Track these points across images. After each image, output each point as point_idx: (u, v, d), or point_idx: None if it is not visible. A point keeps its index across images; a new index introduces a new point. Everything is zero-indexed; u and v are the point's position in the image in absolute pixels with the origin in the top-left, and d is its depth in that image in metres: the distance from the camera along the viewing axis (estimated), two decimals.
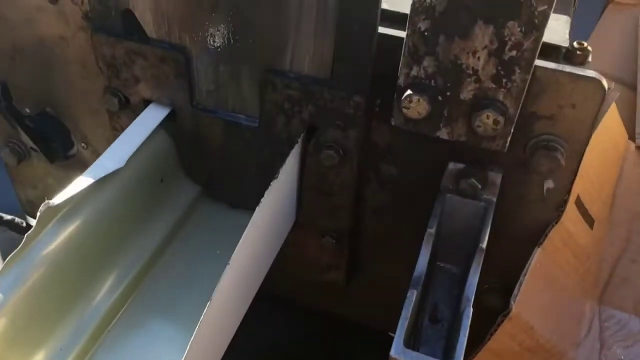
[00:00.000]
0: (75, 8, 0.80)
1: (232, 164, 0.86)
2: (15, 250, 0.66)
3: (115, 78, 0.81)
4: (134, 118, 0.84)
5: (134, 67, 0.79)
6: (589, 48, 0.70)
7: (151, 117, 0.81)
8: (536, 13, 0.59)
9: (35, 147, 0.95)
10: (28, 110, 0.96)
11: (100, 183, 0.72)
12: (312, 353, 1.09)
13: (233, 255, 0.65)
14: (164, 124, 0.83)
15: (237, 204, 0.91)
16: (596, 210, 0.89)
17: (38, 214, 0.68)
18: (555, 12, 0.67)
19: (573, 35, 1.05)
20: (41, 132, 0.95)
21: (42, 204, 0.67)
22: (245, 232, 0.68)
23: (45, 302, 0.69)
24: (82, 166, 1.02)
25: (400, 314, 0.83)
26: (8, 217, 1.12)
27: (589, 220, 0.87)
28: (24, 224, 1.13)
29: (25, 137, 0.95)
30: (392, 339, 0.87)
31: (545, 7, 0.58)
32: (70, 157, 1.00)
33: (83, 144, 0.97)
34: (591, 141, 0.77)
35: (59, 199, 0.69)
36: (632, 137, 1.00)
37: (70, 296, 0.73)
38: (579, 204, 0.83)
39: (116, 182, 0.76)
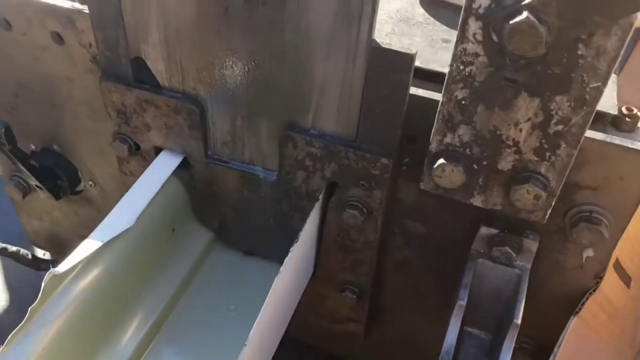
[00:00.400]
0: (83, 51, 0.75)
1: (248, 214, 0.81)
2: (19, 326, 0.62)
3: (125, 125, 0.76)
4: (144, 163, 0.80)
5: (145, 115, 0.74)
6: (638, 113, 0.64)
7: (162, 167, 0.77)
8: (588, 89, 0.53)
9: (40, 186, 0.91)
10: (33, 147, 0.91)
11: (109, 241, 0.68)
12: None
13: (260, 313, 0.62)
14: (176, 171, 0.78)
15: (251, 251, 0.86)
16: (634, 268, 0.84)
17: (43, 284, 0.63)
18: None
19: None
20: (47, 169, 0.91)
21: (47, 274, 0.63)
22: (269, 295, 0.65)
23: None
24: (88, 202, 0.97)
25: None
26: (13, 248, 1.08)
27: (627, 280, 0.82)
28: (29, 256, 1.09)
29: (27, 174, 0.90)
30: None
31: (599, 84, 0.53)
32: (77, 193, 0.96)
33: (91, 182, 0.93)
34: None
35: (64, 266, 0.64)
36: None
37: (89, 344, 0.69)
38: (617, 266, 0.78)
39: (125, 239, 0.71)
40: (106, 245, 0.69)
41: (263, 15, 0.61)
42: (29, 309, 0.63)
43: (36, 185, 0.93)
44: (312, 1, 0.58)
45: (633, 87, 1.13)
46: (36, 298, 1.15)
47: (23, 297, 1.14)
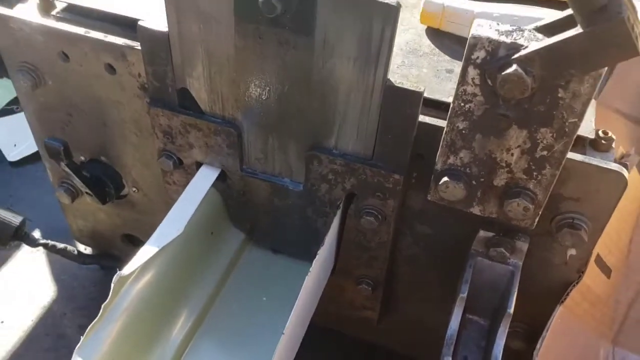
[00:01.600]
0: (132, 79, 0.86)
1: (277, 218, 0.93)
2: (96, 320, 0.74)
3: (170, 143, 0.88)
4: (186, 175, 0.92)
5: (189, 136, 0.86)
6: (613, 137, 0.75)
7: (203, 180, 0.88)
8: (567, 124, 0.65)
9: (90, 192, 1.03)
10: (83, 158, 1.03)
11: (162, 247, 0.80)
12: None
13: (293, 310, 0.74)
14: (214, 182, 0.90)
15: (279, 250, 0.98)
16: (613, 260, 0.96)
17: (112, 285, 0.75)
18: None
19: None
20: (95, 178, 1.02)
21: (115, 275, 0.75)
22: (301, 291, 0.76)
23: (126, 348, 0.78)
24: (131, 206, 1.09)
25: (426, 345, 0.91)
26: (61, 245, 1.20)
27: (607, 271, 0.94)
28: (75, 252, 1.22)
29: (79, 182, 1.02)
30: None
31: (576, 120, 0.64)
32: (122, 198, 1.08)
33: (134, 188, 1.05)
34: None
35: (128, 269, 0.76)
36: None
37: (147, 337, 0.82)
38: (598, 260, 0.90)
39: (175, 244, 0.83)
40: (160, 251, 0.80)
41: (293, 57, 0.72)
42: (102, 305, 0.75)
43: (86, 192, 1.04)
44: (336, 48, 0.69)
45: (621, 92, 1.24)
46: (80, 288, 1.29)
47: (69, 288, 1.26)
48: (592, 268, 0.89)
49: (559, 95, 0.63)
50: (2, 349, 1.15)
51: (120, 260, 1.23)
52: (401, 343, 1.10)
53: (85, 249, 1.27)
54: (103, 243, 1.21)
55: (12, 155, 1.47)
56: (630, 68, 1.27)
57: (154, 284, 0.83)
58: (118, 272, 0.76)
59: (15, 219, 1.15)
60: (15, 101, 1.61)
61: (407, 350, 1.13)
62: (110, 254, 1.23)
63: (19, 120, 1.54)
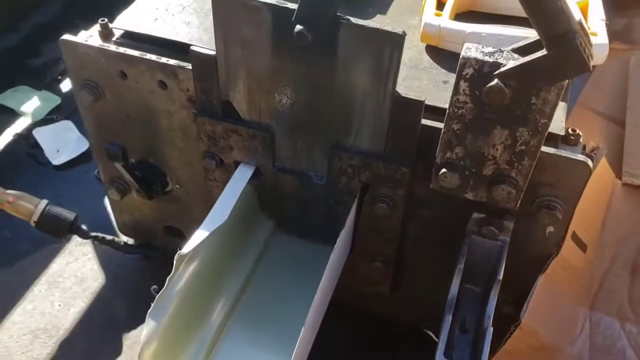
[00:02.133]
0: (181, 93, 1.03)
1: (303, 208, 1.10)
2: (162, 290, 0.91)
3: (213, 146, 1.05)
4: (226, 173, 1.09)
5: (230, 139, 1.03)
6: (580, 133, 0.93)
7: (241, 177, 1.05)
8: (539, 124, 0.82)
9: (139, 189, 1.20)
10: (133, 160, 1.19)
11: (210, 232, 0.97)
12: (360, 344, 1.35)
13: (319, 286, 0.91)
14: (250, 178, 1.07)
15: (304, 235, 1.15)
16: (588, 237, 1.13)
17: (175, 261, 0.92)
18: None
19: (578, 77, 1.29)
20: (144, 177, 1.20)
21: (177, 254, 0.92)
22: (326, 269, 0.93)
23: (180, 324, 0.95)
24: (174, 201, 1.26)
25: (432, 315, 1.08)
26: (109, 237, 1.38)
27: (582, 246, 1.11)
28: (122, 243, 1.39)
29: (131, 181, 1.19)
30: (423, 331, 1.12)
31: (546, 120, 0.81)
32: (166, 194, 1.25)
33: (178, 186, 1.22)
34: None
35: (186, 248, 0.93)
36: (618, 174, 1.23)
37: (194, 317, 0.99)
38: (574, 236, 1.07)
39: (220, 230, 1.00)
40: (208, 236, 0.97)
41: (319, 74, 0.89)
42: (167, 278, 0.92)
43: (135, 189, 1.22)
44: (354, 67, 0.86)
45: (597, 95, 1.42)
46: (125, 276, 1.45)
47: (115, 276, 1.42)
48: (569, 243, 1.07)
49: (532, 101, 0.80)
50: (61, 328, 1.32)
51: (161, 250, 1.40)
52: (409, 315, 1.27)
53: (128, 240, 1.44)
54: (146, 235, 1.38)
55: (57, 160, 1.63)
56: (605, 75, 1.45)
57: (202, 264, 0.99)
58: (179, 251, 0.93)
59: (69, 215, 1.32)
60: (54, 111, 1.79)
61: (414, 321, 1.30)
62: (152, 244, 1.40)
63: (60, 129, 1.72)
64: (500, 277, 0.97)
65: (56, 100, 1.80)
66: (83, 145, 1.66)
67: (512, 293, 1.09)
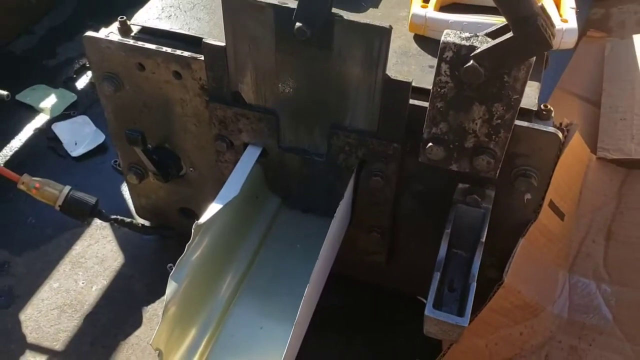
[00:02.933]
0: (195, 82, 1.14)
1: (306, 184, 1.21)
2: (182, 256, 1.02)
3: (224, 129, 1.16)
4: (235, 154, 1.20)
5: (238, 123, 1.14)
6: (551, 108, 1.04)
7: (250, 157, 1.16)
8: (512, 99, 0.93)
9: (156, 172, 1.31)
10: (150, 146, 1.31)
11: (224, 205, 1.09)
12: (358, 311, 1.46)
13: (320, 253, 1.02)
14: (257, 158, 1.18)
15: (307, 209, 1.27)
16: (566, 207, 1.24)
17: (192, 230, 1.03)
18: (530, 79, 1.01)
19: (557, 61, 1.42)
20: (161, 160, 1.31)
21: (194, 223, 1.03)
22: (326, 237, 1.04)
23: (197, 286, 1.06)
24: (187, 183, 1.38)
25: (426, 283, 1.19)
26: (128, 219, 1.49)
27: (561, 215, 1.22)
28: (140, 225, 1.51)
29: (149, 164, 1.30)
30: (418, 300, 1.24)
31: (518, 96, 0.92)
32: (180, 177, 1.36)
33: (191, 169, 1.33)
34: (561, 159, 1.12)
35: (203, 218, 1.04)
36: (594, 149, 1.34)
37: (209, 281, 1.11)
38: (552, 205, 1.18)
39: (231, 204, 1.11)
40: (222, 208, 1.08)
41: (317, 64, 1.00)
42: (186, 245, 1.03)
43: (153, 172, 1.33)
44: (348, 57, 0.98)
45: (576, 79, 1.53)
46: (142, 255, 1.57)
47: (133, 255, 1.53)
48: (548, 212, 1.18)
49: (505, 79, 0.91)
50: (85, 303, 1.44)
51: (175, 231, 1.52)
52: (403, 283, 1.39)
53: (145, 223, 1.56)
54: (161, 217, 1.50)
55: (75, 152, 1.75)
56: (583, 60, 1.56)
57: (217, 233, 1.11)
58: (196, 221, 1.04)
59: (91, 199, 1.44)
60: (70, 107, 1.90)
61: (408, 289, 1.41)
62: (167, 226, 1.52)
63: (77, 123, 1.84)
64: (484, 239, 1.08)
65: (72, 97, 1.92)
66: (99, 137, 1.78)
67: (497, 258, 1.20)
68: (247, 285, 1.18)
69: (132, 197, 1.50)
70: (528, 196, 1.10)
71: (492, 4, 1.18)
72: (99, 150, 1.78)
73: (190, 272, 1.05)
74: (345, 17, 0.94)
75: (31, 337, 1.37)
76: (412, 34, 1.18)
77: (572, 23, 1.12)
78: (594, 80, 1.46)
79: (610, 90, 1.43)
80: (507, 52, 0.87)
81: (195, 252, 1.06)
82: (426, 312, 0.99)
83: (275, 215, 1.27)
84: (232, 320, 1.13)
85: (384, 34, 0.93)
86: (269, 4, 0.96)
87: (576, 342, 1.21)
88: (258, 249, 1.22)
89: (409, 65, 1.11)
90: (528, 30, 0.83)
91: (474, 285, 1.02)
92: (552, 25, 0.86)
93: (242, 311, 1.15)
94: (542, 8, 0.84)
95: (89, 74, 2.02)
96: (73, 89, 1.97)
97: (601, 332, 1.20)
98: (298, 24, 0.93)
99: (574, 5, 1.17)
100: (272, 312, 1.15)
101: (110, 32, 1.18)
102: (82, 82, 2.00)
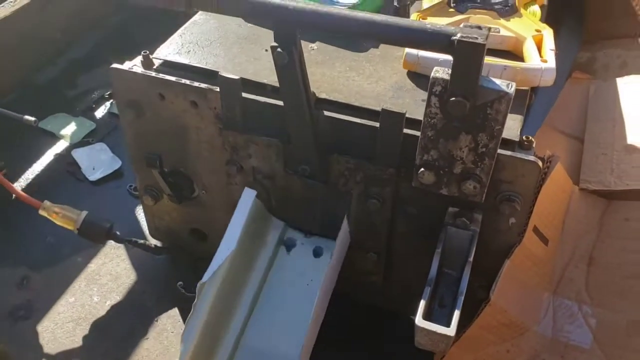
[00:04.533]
0: (210, 111, 1.26)
1: (308, 207, 1.31)
2: (190, 316, 1.13)
3: (235, 154, 1.27)
4: (245, 177, 1.31)
5: (249, 149, 1.25)
6: (532, 139, 1.14)
7: (246, 201, 1.28)
8: (494, 130, 1.03)
9: (171, 193, 1.42)
10: (166, 170, 1.42)
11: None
12: (356, 326, 1.54)
13: (323, 279, 1.12)
14: (264, 182, 1.29)
15: (310, 231, 1.36)
16: (550, 234, 1.33)
17: (196, 290, 1.14)
18: (512, 112, 1.11)
19: (545, 100, 1.53)
20: (175, 183, 1.42)
21: (198, 284, 1.14)
22: (329, 265, 1.14)
23: (206, 341, 1.17)
24: (199, 204, 1.48)
25: (417, 302, 1.27)
26: (141, 241, 1.59)
27: (544, 240, 1.32)
28: (153, 245, 1.60)
29: (164, 186, 1.41)
30: (411, 319, 1.32)
31: (500, 126, 1.03)
32: (192, 199, 1.47)
33: (203, 191, 1.44)
34: (544, 189, 1.22)
35: (205, 277, 1.16)
36: (577, 181, 1.44)
37: (219, 328, 1.21)
38: (536, 230, 1.27)
39: (231, 256, 1.22)
40: (222, 263, 1.19)
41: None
42: (192, 305, 1.14)
43: (167, 194, 1.44)
44: None
45: (562, 117, 1.64)
46: (154, 273, 1.65)
47: (145, 273, 1.62)
48: (532, 237, 1.27)
49: (488, 112, 1.01)
50: (99, 317, 1.53)
51: (186, 251, 1.61)
52: (398, 303, 1.47)
53: (157, 244, 1.65)
54: (173, 237, 1.60)
55: (93, 176, 1.86)
56: (568, 100, 1.68)
57: (220, 285, 1.21)
58: (200, 282, 1.15)
59: (106, 223, 1.54)
60: (89, 135, 2.02)
61: (403, 309, 1.50)
62: (179, 246, 1.61)
63: (95, 150, 1.95)
64: (471, 259, 1.17)
65: (91, 125, 2.04)
66: (116, 163, 1.90)
67: (485, 279, 1.28)
68: (256, 317, 1.28)
69: (146, 219, 1.60)
70: (512, 220, 1.20)
71: None
72: (115, 175, 1.89)
73: (199, 328, 1.16)
74: None
75: (48, 347, 1.45)
76: (406, 71, 1.29)
77: (551, 63, 1.24)
78: (578, 118, 1.56)
79: (592, 127, 1.54)
80: None
81: (201, 309, 1.17)
82: (416, 322, 1.08)
83: (280, 239, 1.36)
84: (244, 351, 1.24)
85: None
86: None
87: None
88: (261, 286, 1.32)
89: (403, 99, 1.22)
90: (459, 48, 0.93)
91: (461, 299, 1.11)
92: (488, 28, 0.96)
93: (251, 344, 1.25)
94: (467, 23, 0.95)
95: (107, 104, 2.15)
96: (92, 118, 2.09)
97: (582, 351, 1.28)
98: None
99: (553, 47, 1.28)
100: (280, 340, 1.25)
101: (134, 65, 1.30)
102: (100, 112, 2.13)
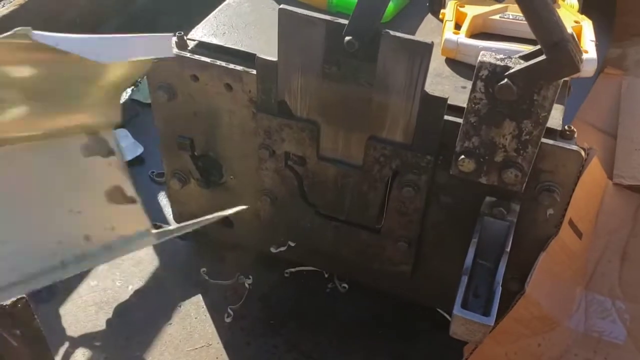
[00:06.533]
0: (244, 94, 1.24)
1: (340, 193, 1.30)
2: None
3: (268, 139, 1.26)
4: (276, 163, 1.29)
5: (282, 132, 1.23)
6: (574, 129, 1.13)
7: None
8: (540, 117, 1.02)
9: (200, 178, 1.40)
10: (196, 153, 1.40)
11: None
12: (382, 322, 1.52)
13: None
14: (296, 165, 1.27)
15: (340, 220, 1.35)
16: (584, 227, 1.31)
17: None
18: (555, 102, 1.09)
19: (576, 94, 1.51)
20: (204, 168, 1.40)
21: None
22: None
23: None
24: (226, 190, 1.46)
25: (447, 296, 1.26)
26: (165, 225, 1.57)
27: (579, 234, 1.30)
28: None
29: (193, 170, 1.39)
30: (439, 312, 1.30)
31: (546, 113, 1.01)
32: (220, 185, 1.45)
33: (232, 176, 1.42)
34: (580, 182, 1.20)
35: None
36: (610, 176, 1.43)
37: None
38: (571, 223, 1.26)
39: None
40: None
41: (361, 77, 1.10)
42: None
43: (196, 179, 1.42)
44: (391, 71, 1.07)
45: (593, 111, 1.62)
46: (177, 259, 1.63)
47: (169, 259, 1.60)
48: (567, 229, 1.25)
49: (535, 98, 1.00)
50: (121, 301, 1.51)
51: (210, 237, 1.60)
52: (425, 295, 1.46)
53: None
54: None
55: None
56: (600, 95, 1.66)
57: None
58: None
59: None
60: None
61: (430, 301, 1.48)
62: (203, 232, 1.59)
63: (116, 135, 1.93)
64: (508, 249, 1.15)
65: None
66: (138, 149, 1.88)
67: (518, 271, 1.27)
68: None
69: (171, 204, 1.58)
70: (550, 211, 1.18)
71: (518, 34, 1.30)
72: (137, 161, 1.87)
73: None
74: (391, 33, 1.04)
75: (70, 330, 1.44)
76: (444, 58, 1.27)
77: (592, 54, 1.22)
78: (610, 113, 1.55)
79: (626, 123, 1.52)
80: (539, 73, 0.97)
81: None
82: (454, 311, 1.06)
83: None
84: None
85: (426, 49, 1.03)
86: (321, 19, 1.06)
87: (592, 355, 1.27)
88: None
89: (442, 85, 1.21)
90: (559, 54, 0.93)
91: (499, 289, 1.09)
92: (580, 51, 0.96)
93: None
94: (572, 35, 0.94)
95: (129, 90, 2.13)
96: None
97: (616, 347, 1.26)
98: (348, 38, 1.03)
99: (593, 38, 1.27)
100: None
101: None
102: (121, 98, 2.11)
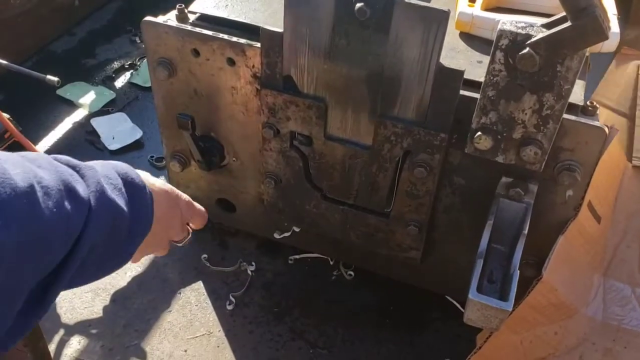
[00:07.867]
0: (247, 70, 1.18)
1: (347, 175, 1.24)
2: None
3: (272, 117, 1.19)
4: (280, 143, 1.23)
5: (288, 110, 1.17)
6: (597, 105, 1.07)
7: None
8: (563, 90, 0.96)
9: (201, 159, 1.34)
10: (197, 134, 1.34)
11: None
12: (389, 311, 1.47)
13: None
14: (302, 146, 1.21)
15: (349, 203, 1.29)
16: (602, 211, 1.25)
17: None
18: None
19: (593, 75, 1.45)
20: (205, 149, 1.34)
21: None
22: None
23: None
24: (229, 173, 1.40)
25: (457, 283, 1.20)
26: None
27: (597, 218, 1.24)
28: None
29: (194, 151, 1.33)
30: (448, 300, 1.24)
31: (569, 86, 0.95)
32: (222, 167, 1.39)
33: (234, 158, 1.36)
34: (599, 163, 1.14)
35: None
36: (629, 158, 1.37)
37: None
38: (590, 206, 1.20)
39: None
40: None
41: (372, 49, 1.04)
42: None
43: (197, 160, 1.36)
44: (404, 42, 1.01)
45: (609, 91, 1.56)
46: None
47: None
48: (586, 212, 1.20)
49: (558, 69, 0.94)
50: (119, 288, 1.45)
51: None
52: (435, 282, 1.40)
53: None
54: None
55: (112, 146, 1.79)
56: (616, 76, 1.60)
57: None
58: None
59: None
60: (108, 104, 1.95)
61: (439, 288, 1.42)
62: None
63: (115, 119, 1.88)
64: (526, 231, 1.10)
65: (111, 95, 1.97)
66: (136, 133, 1.82)
67: (535, 255, 1.21)
68: None
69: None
70: (570, 192, 1.13)
71: (535, 9, 1.24)
72: (136, 145, 1.81)
73: None
74: (405, 0, 0.97)
75: (65, 317, 1.38)
76: (458, 32, 1.21)
77: (615, 28, 1.16)
78: (627, 95, 1.49)
79: None
80: (563, 41, 0.91)
81: None
82: (470, 296, 1.00)
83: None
84: None
85: (443, 17, 0.97)
86: None
87: (611, 344, 1.21)
88: None
89: (457, 60, 1.15)
90: (586, 20, 0.87)
91: (517, 273, 1.03)
92: (608, 19, 0.90)
93: None
94: (600, 1, 0.88)
95: (127, 74, 2.07)
96: (112, 88, 2.02)
97: (636, 334, 1.20)
98: (359, 4, 0.97)
99: (615, 11, 1.21)
100: None
101: (168, 19, 1.23)
102: (120, 82, 2.05)
